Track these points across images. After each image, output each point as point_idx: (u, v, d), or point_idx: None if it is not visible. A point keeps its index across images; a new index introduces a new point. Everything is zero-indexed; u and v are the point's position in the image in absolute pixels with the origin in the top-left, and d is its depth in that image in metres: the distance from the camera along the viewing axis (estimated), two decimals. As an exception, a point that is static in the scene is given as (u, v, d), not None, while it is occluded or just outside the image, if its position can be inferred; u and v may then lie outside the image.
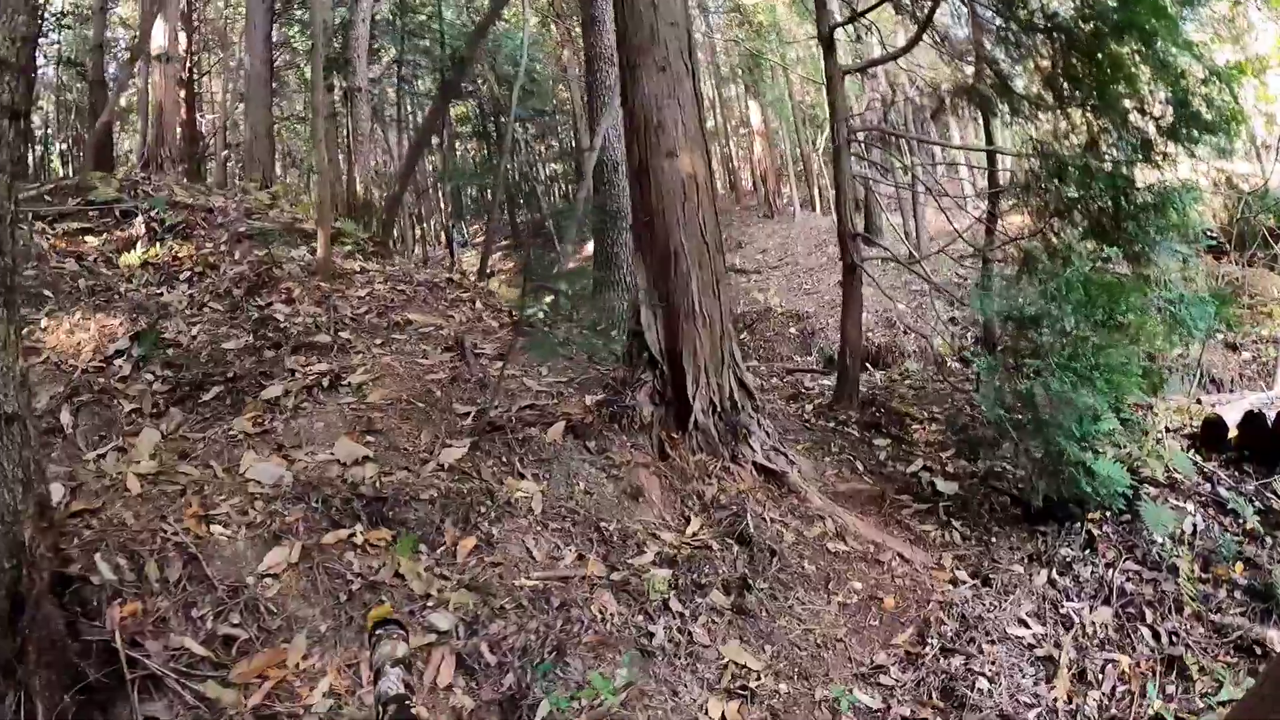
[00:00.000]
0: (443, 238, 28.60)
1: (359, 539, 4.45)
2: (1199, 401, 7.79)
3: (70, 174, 19.49)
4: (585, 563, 4.76)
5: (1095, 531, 5.77)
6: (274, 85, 18.67)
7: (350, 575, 4.21)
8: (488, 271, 16.13)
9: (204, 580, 4.06)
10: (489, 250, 16.62)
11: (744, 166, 36.68)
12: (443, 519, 4.74)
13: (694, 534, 5.39)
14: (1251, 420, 6.48)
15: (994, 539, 6.01)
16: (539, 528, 4.92)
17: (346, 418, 5.70)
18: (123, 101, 18.54)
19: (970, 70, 9.08)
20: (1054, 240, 7.47)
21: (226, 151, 20.23)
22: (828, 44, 8.78)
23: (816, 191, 30.69)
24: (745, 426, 6.34)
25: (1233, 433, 6.59)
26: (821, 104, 30.03)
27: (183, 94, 24.24)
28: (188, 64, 24.20)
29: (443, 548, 4.57)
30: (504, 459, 5.52)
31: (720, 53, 29.89)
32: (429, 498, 4.87)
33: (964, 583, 5.46)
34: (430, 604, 4.12)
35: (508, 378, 6.59)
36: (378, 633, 2.71)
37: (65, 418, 5.60)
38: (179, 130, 13.95)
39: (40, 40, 18.80)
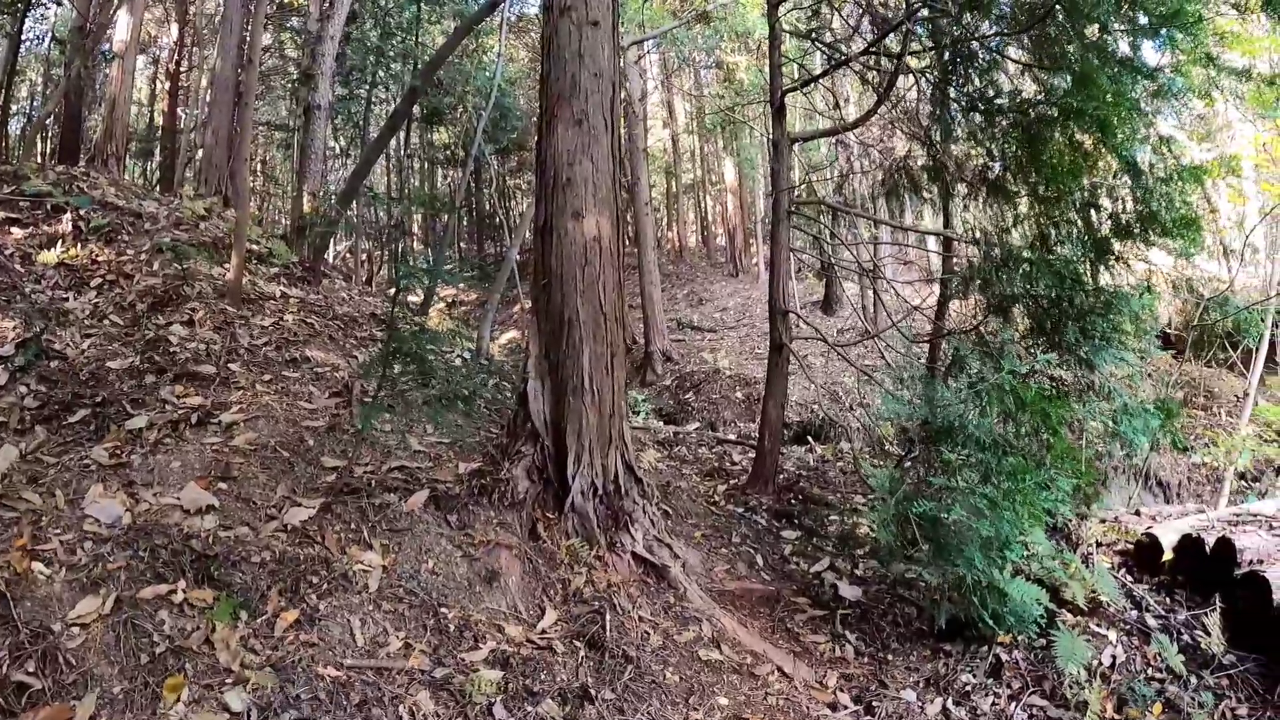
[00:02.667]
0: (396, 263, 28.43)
1: (179, 596, 4.20)
2: (1138, 513, 7.40)
3: (49, 153, 19.28)
4: (409, 653, 4.47)
5: (1004, 656, 5.42)
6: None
7: (158, 636, 3.98)
8: (431, 304, 16.00)
9: (9, 621, 3.89)
10: (434, 282, 16.42)
11: (718, 223, 36.82)
12: (270, 585, 4.46)
13: (543, 631, 5.08)
14: (1188, 545, 6.07)
15: (891, 656, 5.71)
16: (370, 607, 4.63)
17: (205, 460, 5.48)
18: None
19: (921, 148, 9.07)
20: (988, 339, 7.12)
21: (188, 154, 20.01)
22: (778, 110, 8.71)
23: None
24: (628, 513, 6.07)
25: (1168, 555, 6.18)
26: (795, 166, 30.33)
27: (167, 88, 24.23)
28: (176, 57, 24.14)
29: (264, 617, 4.29)
30: (354, 525, 5.25)
31: (706, 106, 30.12)
32: (261, 560, 4.61)
33: (845, 708, 5.15)
34: (230, 680, 3.92)
35: (389, 433, 6.46)
36: None
37: (-72, 425, 5.46)
38: (129, 126, 13.77)
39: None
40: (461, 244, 34.19)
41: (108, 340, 6.99)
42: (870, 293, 20.13)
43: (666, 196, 37.70)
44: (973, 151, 8.07)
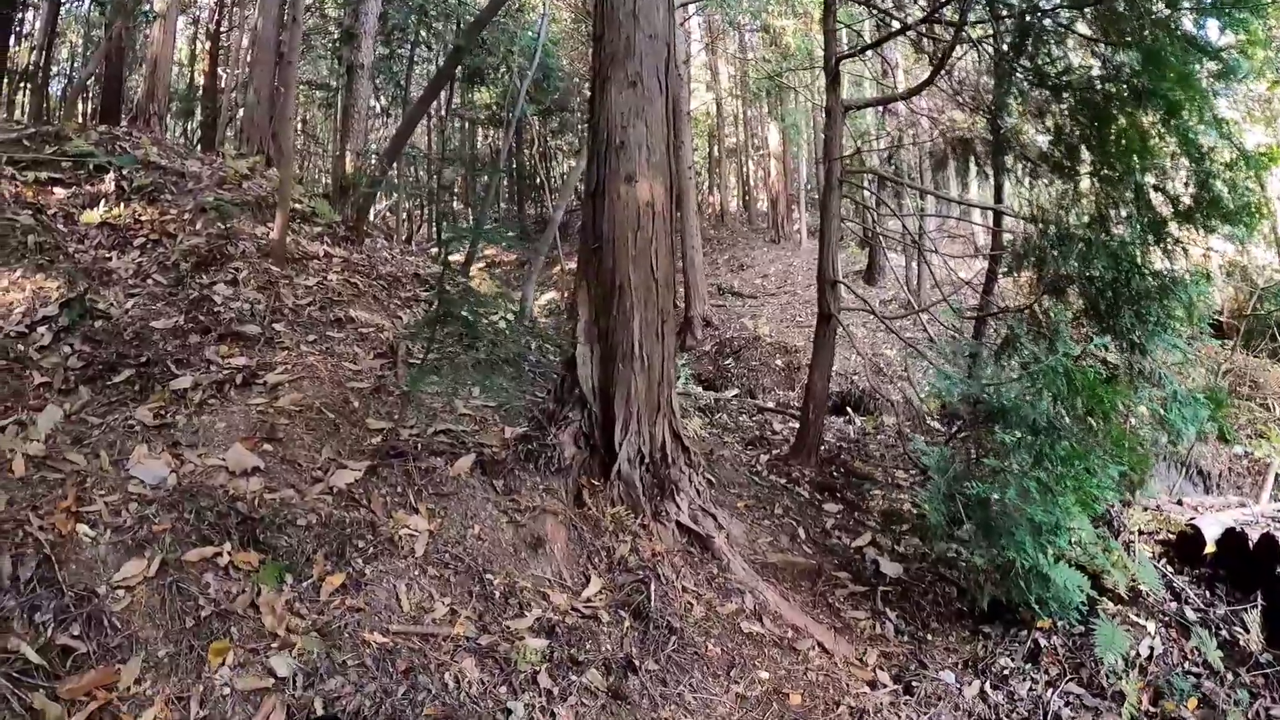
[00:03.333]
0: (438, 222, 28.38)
1: (224, 559, 4.19)
2: (1180, 502, 7.29)
3: (90, 114, 19.34)
4: (455, 620, 4.44)
5: (1043, 642, 5.35)
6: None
7: (204, 600, 3.96)
8: (472, 264, 15.95)
9: (54, 584, 3.87)
10: (475, 243, 16.34)
11: (760, 188, 36.40)
12: (315, 549, 4.44)
13: (588, 599, 5.03)
14: (1231, 538, 5.92)
15: (930, 635, 5.62)
16: (416, 572, 4.59)
17: (250, 421, 5.46)
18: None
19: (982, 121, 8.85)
20: (1042, 319, 6.94)
21: (229, 114, 19.99)
22: (832, 76, 8.40)
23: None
24: (674, 482, 5.99)
25: (1209, 548, 6.00)
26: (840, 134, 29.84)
27: (208, 48, 24.21)
28: (216, 17, 24.09)
29: (309, 581, 4.27)
30: (400, 489, 5.20)
31: (751, 70, 29.70)
32: (307, 523, 4.58)
33: (884, 686, 5.05)
34: (276, 645, 3.88)
35: (435, 395, 6.39)
36: None
37: (-28, 385, 5.44)
38: (170, 87, 13.71)
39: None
40: (501, 205, 34.06)
41: (151, 300, 6.97)
42: (915, 265, 19.84)
43: (708, 160, 37.38)
44: (1034, 126, 7.88)
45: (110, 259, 7.54)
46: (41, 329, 6.14)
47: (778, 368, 17.24)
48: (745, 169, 37.99)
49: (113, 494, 4.52)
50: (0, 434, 4.95)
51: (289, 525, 4.57)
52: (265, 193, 9.92)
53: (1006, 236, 9.63)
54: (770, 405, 13.37)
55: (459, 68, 16.89)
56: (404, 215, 25.18)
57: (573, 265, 20.56)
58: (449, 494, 5.32)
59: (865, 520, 7.29)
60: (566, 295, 18.27)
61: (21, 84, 22.86)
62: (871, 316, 9.85)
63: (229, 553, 4.28)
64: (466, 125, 31.20)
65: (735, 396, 14.23)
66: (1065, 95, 7.01)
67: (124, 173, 9.10)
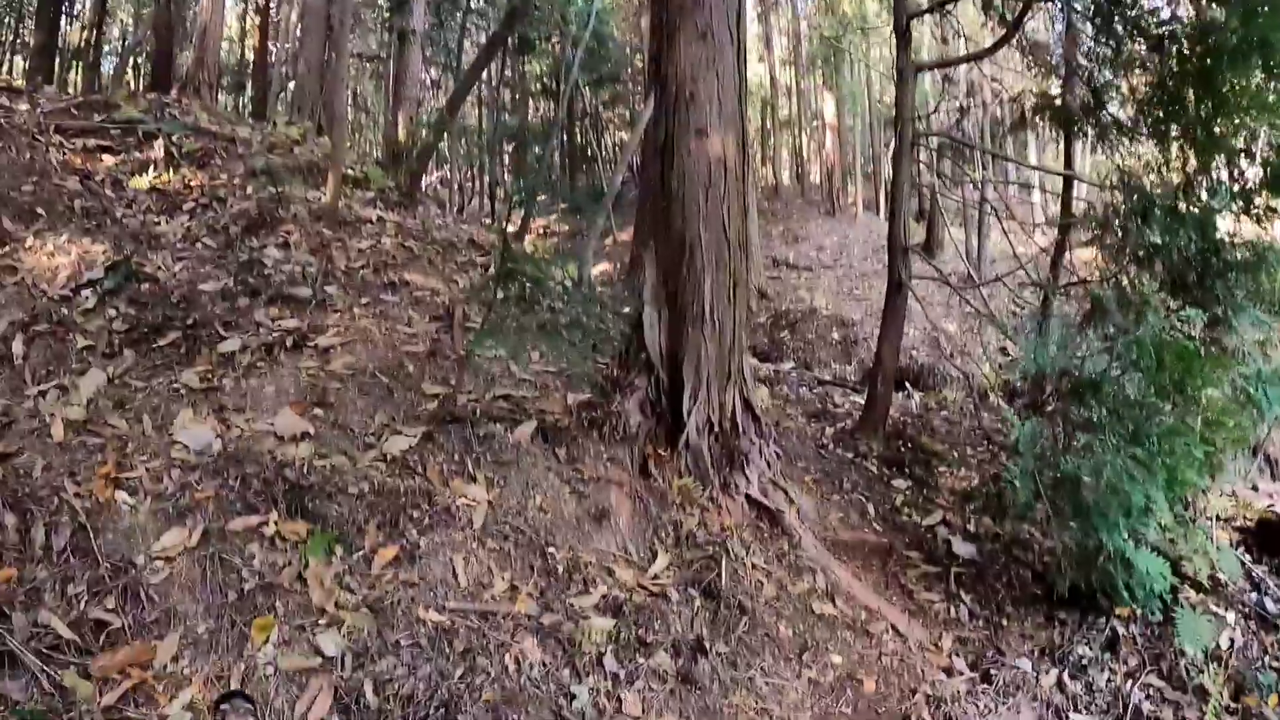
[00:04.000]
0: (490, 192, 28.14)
1: (270, 529, 3.90)
2: (1255, 488, 6.91)
3: (141, 86, 19.35)
4: (516, 596, 4.13)
5: (1121, 631, 5.06)
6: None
7: (248, 572, 3.68)
8: (527, 231, 15.70)
9: (89, 554, 3.61)
10: (529, 213, 16.09)
11: (813, 160, 35.83)
12: (367, 519, 4.14)
13: (655, 576, 4.69)
14: None
15: (1006, 620, 5.31)
16: (475, 544, 4.28)
17: (301, 385, 5.20)
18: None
19: (1058, 84, 8.44)
20: (1129, 289, 6.39)
21: (280, 86, 19.86)
22: (902, 35, 7.86)
23: (883, 194, 30.00)
24: (744, 453, 5.63)
25: None
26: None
27: (258, 23, 24.15)
28: (268, -13, 24.01)
29: (360, 553, 3.98)
30: (457, 456, 4.87)
31: (805, 40, 29.15)
32: (359, 491, 4.28)
33: (960, 674, 4.78)
34: (324, 622, 3.60)
35: (493, 359, 6.06)
36: (223, 707, 2.56)
37: (17, 348, 5.19)
38: (220, 59, 13.54)
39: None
40: (554, 177, 33.91)
41: (200, 263, 6.75)
42: (975, 238, 19.30)
43: (761, 132, 36.78)
44: (1128, 82, 7.48)
45: (159, 223, 7.36)
46: (86, 292, 5.93)
47: (834, 341, 17.02)
48: (798, 141, 37.44)
49: (155, 460, 4.27)
50: (41, 399, 4.73)
51: (339, 493, 4.27)
52: (316, 158, 9.70)
53: (1079, 206, 9.17)
54: (829, 378, 13.01)
55: (511, 36, 16.59)
56: (455, 186, 24.99)
57: (625, 237, 20.41)
58: (509, 462, 4.97)
59: (935, 498, 6.93)
60: (620, 267, 18.02)
61: (74, 61, 22.97)
62: (954, 290, 9.45)
63: (275, 522, 4.00)
64: (517, 96, 30.96)
65: (792, 369, 13.91)
66: (1158, 52, 6.62)
67: (173, 139, 8.92)
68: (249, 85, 24.05)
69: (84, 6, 22.61)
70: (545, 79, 27.32)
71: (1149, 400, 5.20)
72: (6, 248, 6.23)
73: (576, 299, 7.26)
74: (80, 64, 22.28)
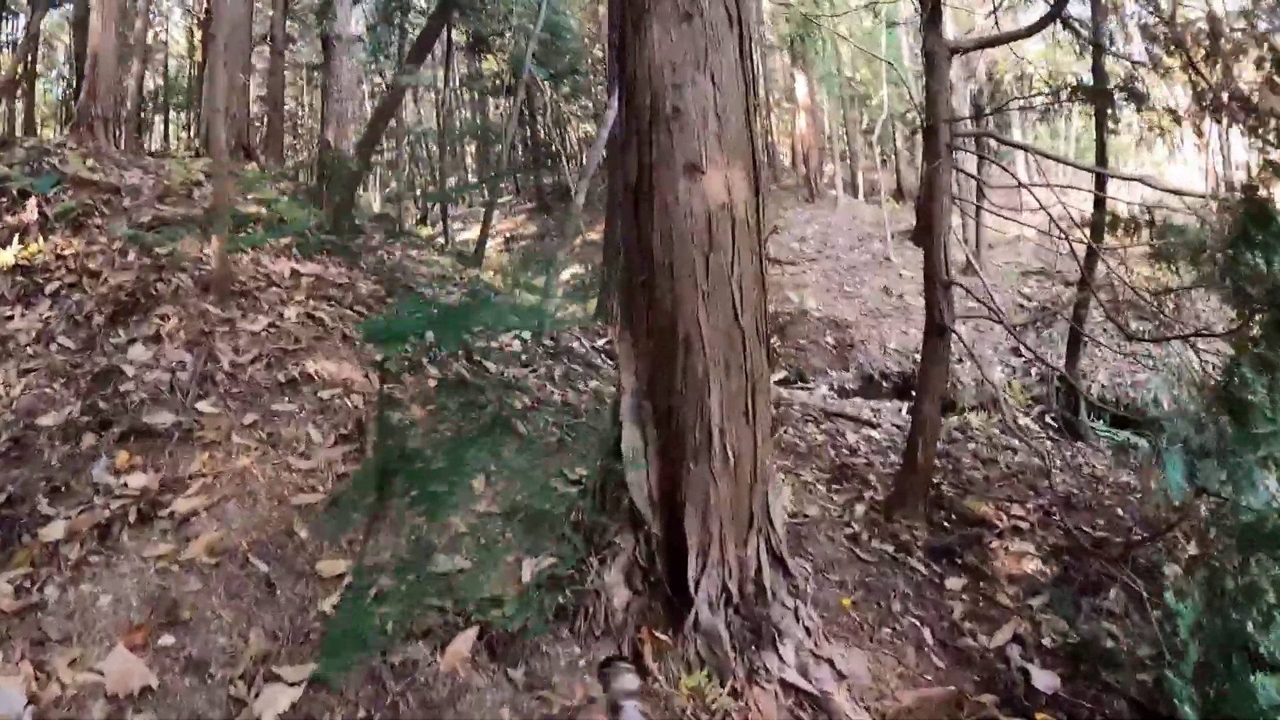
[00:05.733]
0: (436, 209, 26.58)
1: None
2: None
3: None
4: None
5: None
6: (284, 32, 16.64)
7: None
8: (486, 249, 14.23)
9: None
10: (487, 223, 14.52)
11: (783, 141, 34.45)
12: None
13: None
14: None
15: None
16: None
17: (146, 589, 3.63)
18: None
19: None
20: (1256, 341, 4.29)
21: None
22: (932, 10, 6.03)
23: (861, 175, 28.79)
24: (775, 624, 3.96)
25: None
26: (873, 82, 28.01)
27: (199, 37, 22.30)
28: (204, 4, 22.20)
29: None
30: (366, 709, 3.19)
31: (767, 17, 27.82)
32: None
33: None
34: None
35: (415, 498, 4.47)
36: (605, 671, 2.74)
37: None
38: (117, 83, 11.70)
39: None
40: (517, 176, 32.51)
41: (50, 377, 5.21)
42: (972, 221, 18.07)
43: (728, 115, 35.54)
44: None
45: (12, 318, 5.83)
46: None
47: (828, 345, 16.22)
48: (767, 124, 36.18)
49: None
50: None
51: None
52: (217, 204, 8.08)
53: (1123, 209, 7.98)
54: (832, 403, 11.60)
55: (460, 35, 15.13)
56: (404, 207, 23.36)
57: (594, 236, 18.95)
58: (440, 703, 3.31)
59: (996, 595, 5.43)
60: (590, 269, 16.75)
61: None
62: (1009, 330, 8.35)
63: None
64: (475, 96, 29.46)
65: (788, 385, 12.65)
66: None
67: (47, 197, 7.32)
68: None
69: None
70: (500, 78, 25.83)
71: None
72: None
73: (534, 356, 5.69)
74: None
